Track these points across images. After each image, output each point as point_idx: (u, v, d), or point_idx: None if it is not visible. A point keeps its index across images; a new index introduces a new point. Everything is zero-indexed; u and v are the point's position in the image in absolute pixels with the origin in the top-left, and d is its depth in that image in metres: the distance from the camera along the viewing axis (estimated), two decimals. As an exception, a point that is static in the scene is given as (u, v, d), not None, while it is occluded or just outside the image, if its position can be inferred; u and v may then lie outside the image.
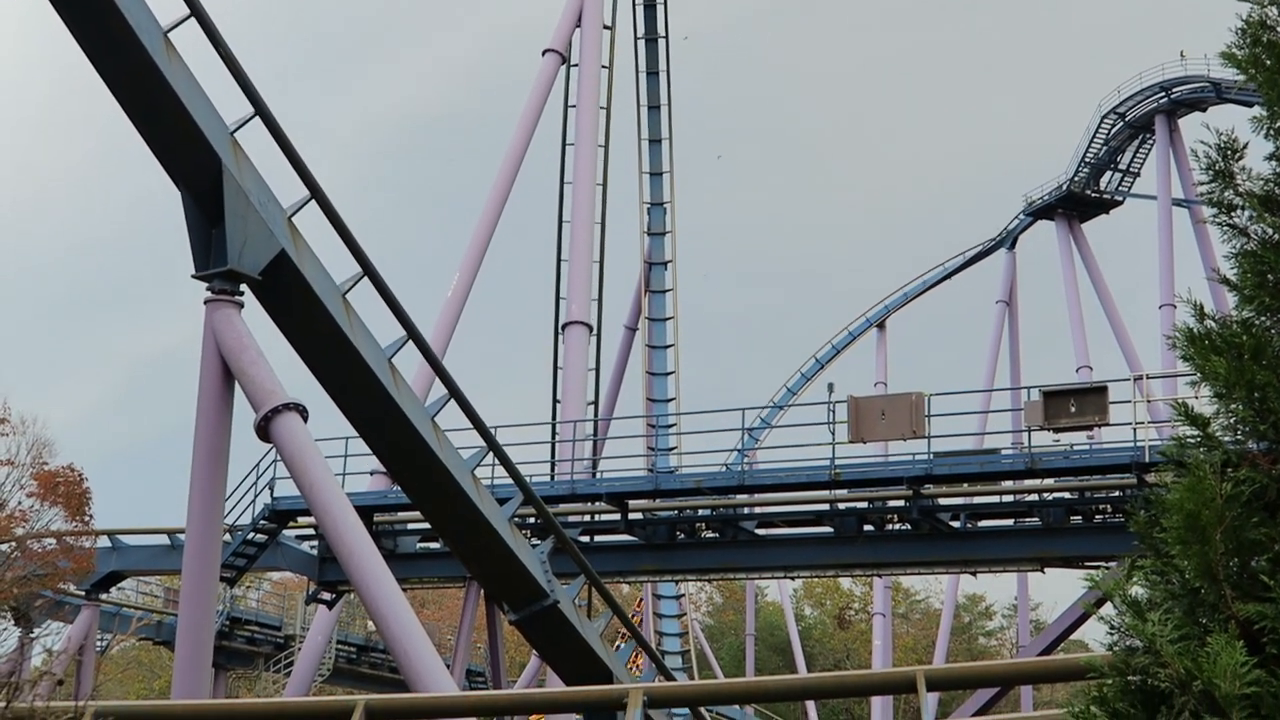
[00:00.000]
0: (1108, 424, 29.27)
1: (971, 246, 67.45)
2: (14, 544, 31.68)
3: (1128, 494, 27.79)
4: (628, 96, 50.66)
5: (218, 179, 20.63)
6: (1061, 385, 30.31)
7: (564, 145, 45.41)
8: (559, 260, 43.94)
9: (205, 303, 21.40)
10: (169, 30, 20.16)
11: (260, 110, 21.52)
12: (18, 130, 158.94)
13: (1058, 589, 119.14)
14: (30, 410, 35.05)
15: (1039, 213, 65.02)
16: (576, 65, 44.55)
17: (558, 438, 37.83)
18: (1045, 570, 31.53)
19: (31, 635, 37.27)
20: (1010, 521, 31.10)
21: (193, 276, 21.38)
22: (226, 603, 45.32)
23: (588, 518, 33.46)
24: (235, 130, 21.18)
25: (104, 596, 40.32)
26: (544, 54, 43.87)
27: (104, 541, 36.98)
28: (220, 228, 20.83)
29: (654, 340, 48.18)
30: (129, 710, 14.57)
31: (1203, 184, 7.15)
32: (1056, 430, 29.35)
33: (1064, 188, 63.65)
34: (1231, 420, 6.56)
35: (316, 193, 22.22)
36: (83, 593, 38.61)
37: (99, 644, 41.43)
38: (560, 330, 41.94)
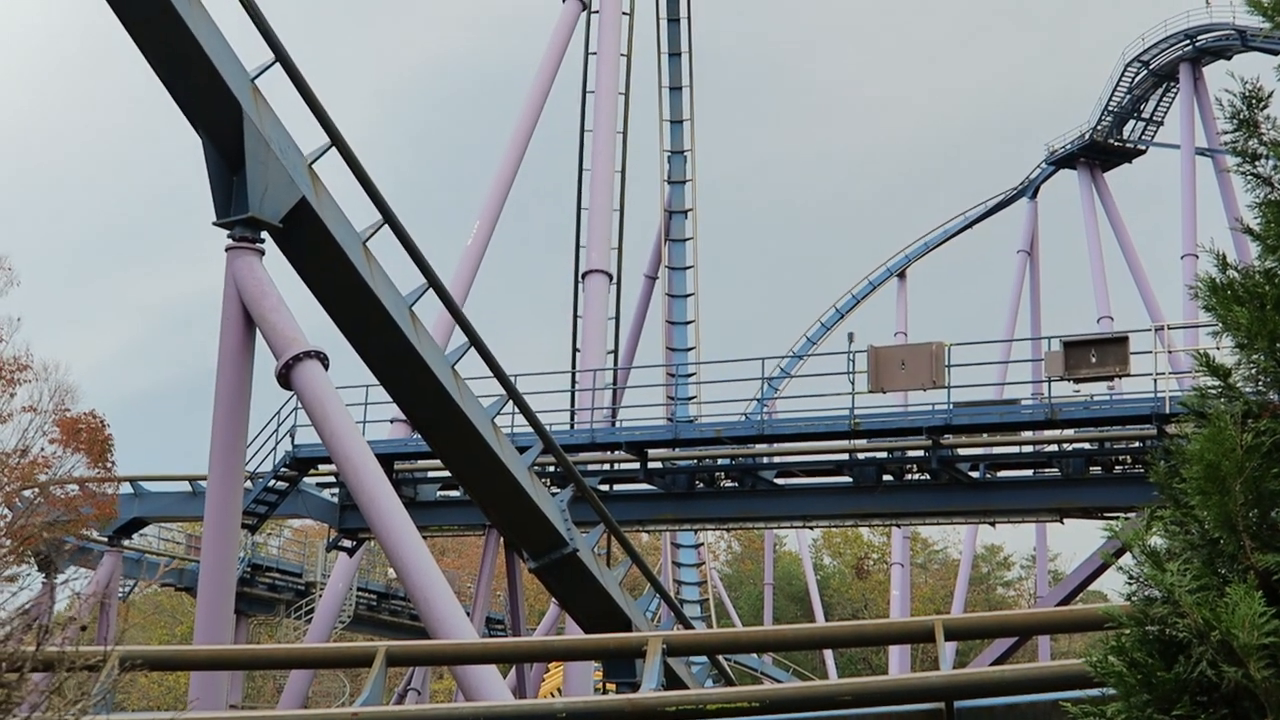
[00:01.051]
0: (1128, 374, 29.21)
1: (993, 196, 67.16)
2: (37, 490, 31.89)
3: (1148, 445, 27.76)
4: (648, 43, 50.51)
5: (238, 126, 20.62)
6: (1082, 335, 30.23)
7: (584, 93, 45.23)
8: (579, 208, 43.85)
9: (226, 250, 21.43)
10: (189, -24, 20.12)
11: (281, 57, 21.49)
12: (44, 78, 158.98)
13: (1076, 539, 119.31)
14: (52, 356, 35.23)
15: (1061, 162, 64.67)
16: (597, 12, 44.31)
17: (577, 386, 37.87)
18: (1064, 521, 31.56)
19: (56, 580, 37.62)
20: (1029, 472, 31.10)
21: (214, 224, 21.42)
22: (248, 550, 45.61)
23: (607, 466, 33.54)
24: (256, 77, 21.16)
25: (126, 543, 40.60)
26: (564, 0, 43.67)
27: (126, 488, 37.19)
28: (241, 175, 20.85)
29: (674, 289, 48.10)
30: (155, 655, 14.70)
31: (1227, 133, 7.11)
32: (1077, 381, 29.29)
33: (1086, 136, 63.27)
34: (1253, 371, 6.54)
35: (337, 140, 22.21)
36: (105, 539, 38.90)
37: (121, 590, 41.75)
38: (580, 279, 41.90)
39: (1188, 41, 59.30)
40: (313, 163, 21.91)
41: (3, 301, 31.09)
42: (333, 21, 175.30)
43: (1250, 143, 6.96)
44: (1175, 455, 6.46)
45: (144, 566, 43.85)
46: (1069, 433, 29.61)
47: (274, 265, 21.86)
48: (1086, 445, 29.49)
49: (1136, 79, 61.88)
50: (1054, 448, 30.11)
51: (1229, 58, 58.69)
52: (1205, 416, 6.39)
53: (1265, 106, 7.00)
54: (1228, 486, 6.05)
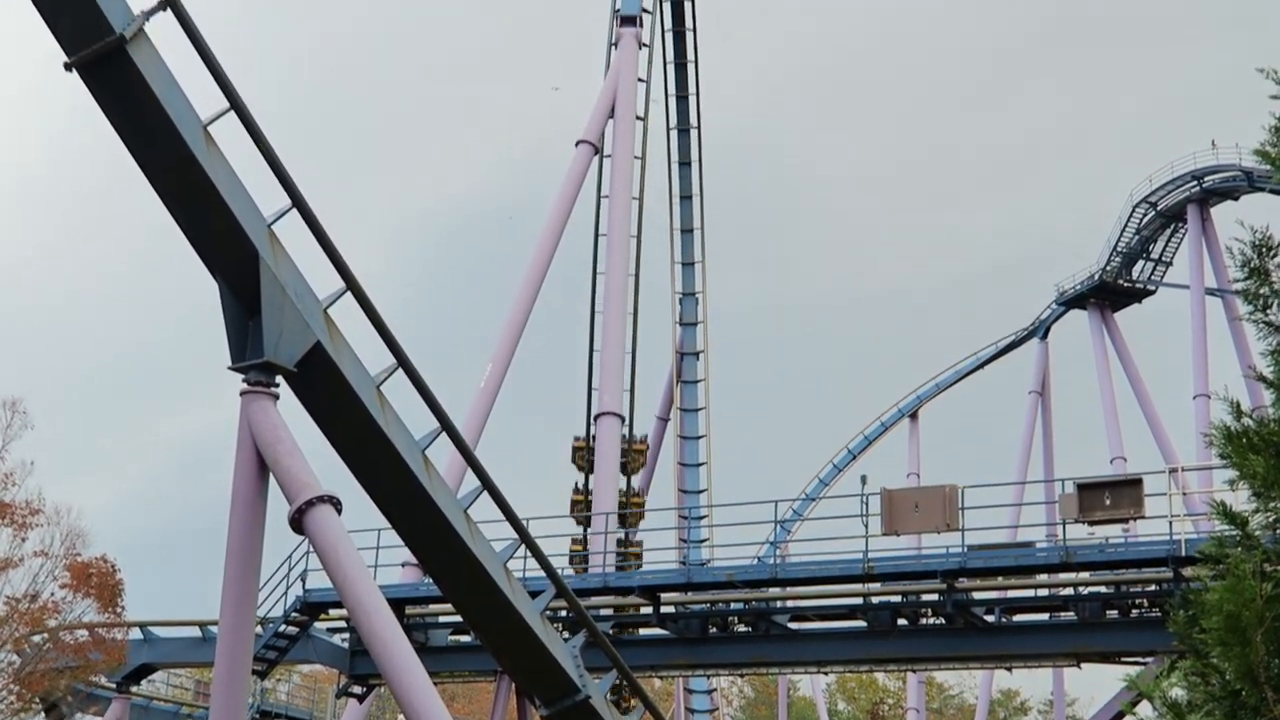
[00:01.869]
0: (1143, 517, 29.06)
1: (1004, 336, 67.42)
2: (47, 635, 31.73)
3: (1164, 588, 27.54)
4: (660, 186, 51.05)
5: (255, 271, 20.74)
6: (1096, 478, 30.14)
7: (596, 235, 45.63)
8: (591, 350, 44.03)
9: (241, 394, 21.45)
10: (209, 123, 20.39)
11: (297, 203, 21.68)
12: (58, 218, 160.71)
13: (1094, 684, 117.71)
14: (64, 500, 35.20)
15: (1071, 302, 64.94)
16: (609, 156, 44.85)
17: (590, 529, 37.72)
18: (1081, 665, 31.19)
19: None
20: (1045, 616, 30.82)
21: (229, 368, 21.47)
22: (257, 695, 45.15)
23: (620, 611, 33.29)
24: (273, 222, 21.32)
25: (135, 689, 40.24)
26: (577, 145, 44.18)
27: (135, 633, 36.96)
28: (257, 319, 20.92)
29: (686, 431, 48.13)
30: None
31: (1238, 281, 7.16)
32: (1092, 523, 29.15)
33: (1096, 277, 63.58)
34: (1270, 519, 6.53)
35: (352, 285, 22.34)
36: (114, 685, 38.55)
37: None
38: (593, 421, 41.95)
39: (1195, 183, 59.74)
40: (328, 307, 22.02)
41: (16, 445, 31.20)
42: (348, 165, 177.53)
43: (1262, 290, 7.00)
44: (1194, 604, 6.42)
45: (167, 722, 43.62)
46: (1085, 576, 29.38)
47: (285, 405, 21.88)
48: (1103, 588, 29.25)
49: (1145, 220, 62.26)
50: (1070, 591, 29.86)
51: (1236, 199, 59.13)
52: (1223, 563, 6.35)
53: (1275, 254, 7.06)
54: (1249, 638, 5.99)
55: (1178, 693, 6.37)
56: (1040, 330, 66.10)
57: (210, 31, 20.28)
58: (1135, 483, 29.34)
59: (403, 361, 22.97)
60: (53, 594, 31.26)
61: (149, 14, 19.26)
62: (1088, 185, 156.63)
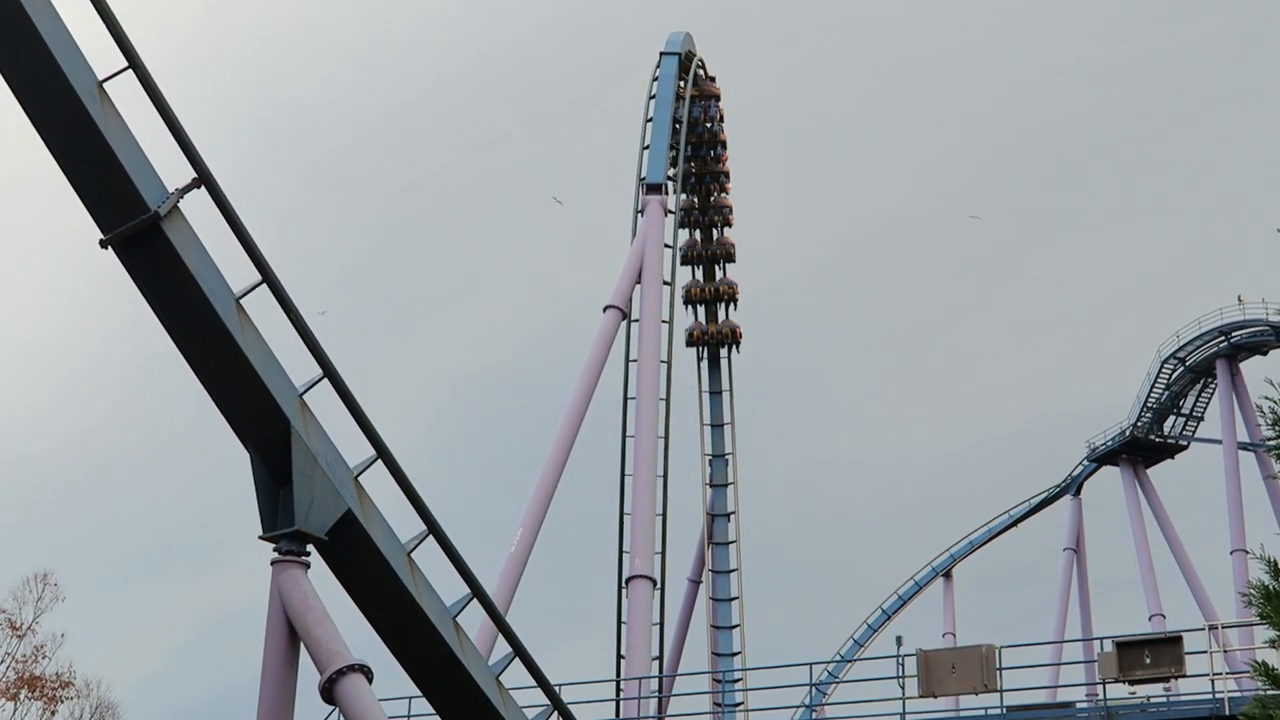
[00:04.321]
0: (1185, 675, 28.65)
1: (1036, 493, 67.04)
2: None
3: (1209, 747, 27.06)
4: (688, 350, 51.26)
5: (286, 441, 20.81)
6: (1135, 635, 29.80)
7: (625, 399, 45.72)
8: (621, 514, 43.87)
9: (272, 563, 21.40)
10: (241, 296, 20.61)
11: (329, 373, 21.82)
12: (92, 385, 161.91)
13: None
14: (95, 672, 35.04)
15: (1103, 458, 64.70)
16: (637, 320, 45.14)
17: (622, 695, 37.28)
18: (1127, 828, 30.52)
19: None
20: (1089, 778, 30.29)
21: (260, 538, 21.44)
22: None
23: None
24: (304, 392, 21.45)
25: None
26: (605, 310, 44.51)
27: (164, 807, 36.54)
28: (288, 489, 20.93)
29: (718, 593, 47.83)
30: None
31: (1270, 439, 7.17)
32: (1132, 682, 28.75)
33: (1127, 433, 63.41)
34: (1313, 679, 6.45)
35: (383, 452, 22.38)
36: None
37: None
38: (624, 585, 41.67)
39: (1223, 338, 59.78)
40: (359, 475, 22.05)
41: (47, 618, 31.16)
42: (376, 335, 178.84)
43: (1294, 448, 7.00)
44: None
45: None
46: (1127, 736, 28.89)
47: (315, 573, 21.78)
48: (1146, 749, 28.75)
49: (1174, 375, 62.21)
50: (1113, 752, 29.33)
51: (1265, 354, 59.14)
52: (1267, 726, 6.28)
53: (1306, 412, 7.06)
54: (1295, 801, 5.91)
55: None
56: (1072, 487, 65.78)
57: (239, 203, 20.60)
58: (1175, 640, 28.96)
59: (433, 528, 22.94)
60: (82, 768, 31.00)
61: (183, 191, 19.60)
62: (1114, 341, 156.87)
